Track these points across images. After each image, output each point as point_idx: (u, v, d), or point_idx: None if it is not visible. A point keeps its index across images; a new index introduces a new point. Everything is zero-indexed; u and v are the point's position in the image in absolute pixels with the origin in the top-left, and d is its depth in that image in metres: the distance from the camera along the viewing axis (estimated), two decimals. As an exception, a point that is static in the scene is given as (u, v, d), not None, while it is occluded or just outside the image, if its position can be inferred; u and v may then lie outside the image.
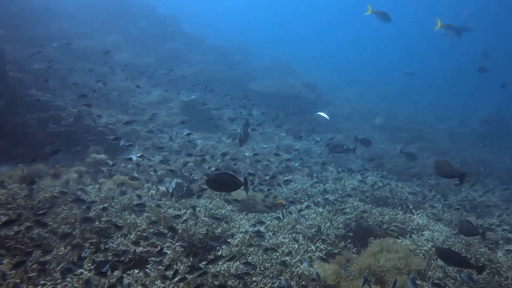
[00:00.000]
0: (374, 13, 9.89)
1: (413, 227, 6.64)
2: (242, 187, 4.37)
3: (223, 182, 4.36)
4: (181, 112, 13.85)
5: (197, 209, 6.23)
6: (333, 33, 60.85)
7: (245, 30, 42.61)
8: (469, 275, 4.91)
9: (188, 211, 5.98)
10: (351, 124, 17.38)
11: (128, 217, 5.50)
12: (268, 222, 6.30)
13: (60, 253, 4.43)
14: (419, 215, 7.16)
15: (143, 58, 17.51)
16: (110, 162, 8.44)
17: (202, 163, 9.50)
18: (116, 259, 4.50)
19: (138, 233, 5.21)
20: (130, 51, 17.48)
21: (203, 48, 21.98)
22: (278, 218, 6.45)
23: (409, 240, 6.12)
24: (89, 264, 4.30)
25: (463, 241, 5.86)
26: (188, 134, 11.46)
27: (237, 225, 5.97)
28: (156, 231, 5.01)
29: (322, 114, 7.84)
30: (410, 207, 7.75)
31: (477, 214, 8.42)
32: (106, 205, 5.72)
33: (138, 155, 9.69)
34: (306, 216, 6.50)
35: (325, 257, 5.43)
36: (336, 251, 5.85)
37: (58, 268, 4.12)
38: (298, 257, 5.17)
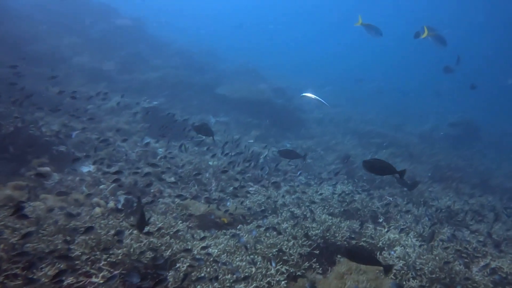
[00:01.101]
0: (363, 26, 9.29)
1: (384, 242, 6.14)
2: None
3: None
4: (142, 119, 13.07)
5: (146, 228, 5.55)
6: (305, 38, 60.83)
7: (217, 34, 41.95)
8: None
9: (134, 232, 5.31)
10: (322, 129, 16.97)
11: (59, 242, 4.76)
12: (224, 242, 5.68)
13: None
14: (390, 229, 6.69)
15: (104, 62, 16.63)
16: (56, 176, 7.63)
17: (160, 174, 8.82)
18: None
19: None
20: (90, 54, 16.56)
21: (169, 52, 21.19)
22: (235, 236, 5.85)
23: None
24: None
25: (437, 258, 5.39)
26: (147, 144, 10.73)
27: (189, 247, 5.32)
28: (92, 257, 4.32)
29: (308, 94, 7.18)
30: (381, 220, 7.25)
31: (451, 225, 8.02)
32: (34, 228, 4.96)
33: (90, 166, 8.92)
34: (268, 234, 5.92)
35: (286, 281, 4.85)
36: (299, 273, 5.28)
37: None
38: (255, 283, 4.56)
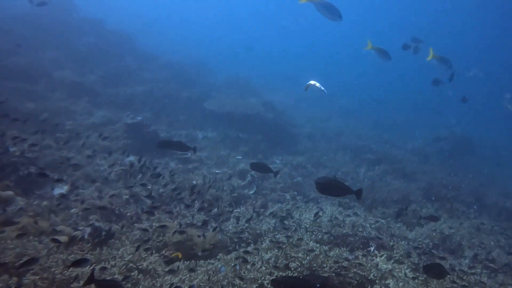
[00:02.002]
0: (373, 49, 8.94)
1: (376, 274, 5.59)
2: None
3: None
4: (124, 135, 12.51)
5: (111, 263, 4.98)
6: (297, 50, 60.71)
7: (208, 46, 41.68)
8: None
9: (98, 267, 4.73)
10: (314, 144, 16.47)
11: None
12: (199, 277, 5.12)
13: None
14: (383, 258, 6.15)
15: (87, 76, 16.10)
16: (20, 200, 7.03)
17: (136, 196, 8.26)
18: None
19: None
20: (73, 68, 16.02)
21: (158, 65, 20.71)
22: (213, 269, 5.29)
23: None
24: None
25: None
26: (130, 162, 10.17)
27: (158, 284, 4.75)
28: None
29: (313, 82, 6.53)
30: (372, 248, 6.70)
31: (447, 251, 7.50)
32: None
33: (63, 188, 8.34)
34: (248, 266, 5.36)
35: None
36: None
37: None
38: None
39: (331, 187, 4.74)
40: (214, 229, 7.38)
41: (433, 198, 10.67)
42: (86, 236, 5.86)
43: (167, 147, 7.65)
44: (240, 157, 13.78)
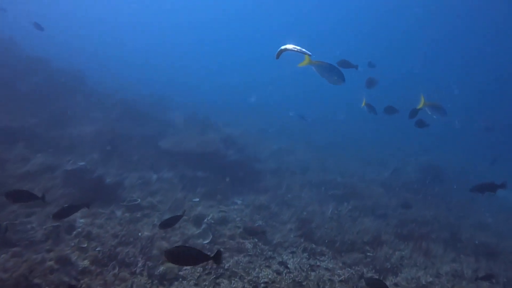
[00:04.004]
0: (426, 106, 8.56)
1: None
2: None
3: None
4: (64, 183, 11.13)
5: None
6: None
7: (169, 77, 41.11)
8: None
9: None
10: (279, 180, 15.43)
11: None
12: None
13: None
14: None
15: (27, 119, 14.67)
16: None
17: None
18: None
19: None
20: (10, 112, 14.56)
21: (110, 103, 19.43)
22: None
23: None
24: None
25: None
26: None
27: None
28: None
29: (288, 46, 5.30)
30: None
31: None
32: None
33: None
34: None
35: None
36: None
37: None
38: None
39: (182, 256, 4.28)
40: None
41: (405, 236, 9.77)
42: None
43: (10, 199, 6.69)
44: (197, 200, 12.60)
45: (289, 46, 5.18)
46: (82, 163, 11.96)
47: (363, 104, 9.54)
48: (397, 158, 20.94)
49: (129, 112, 18.73)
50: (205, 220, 10.57)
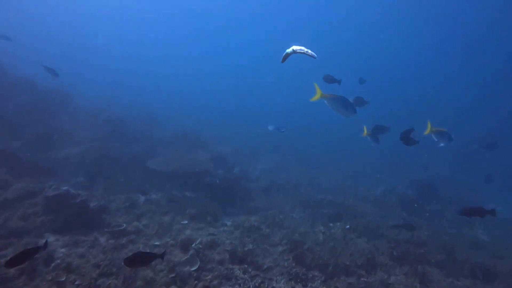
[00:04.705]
0: (433, 132, 8.51)
1: None
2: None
3: None
4: (44, 210, 10.67)
5: None
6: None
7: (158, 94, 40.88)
8: None
9: None
10: (270, 199, 15.04)
11: None
12: None
13: None
14: None
15: (10, 142, 14.26)
16: None
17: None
18: None
19: None
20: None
21: (97, 123, 19.05)
22: None
23: None
24: None
25: None
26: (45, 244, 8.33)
27: None
28: None
29: (296, 47, 4.89)
30: None
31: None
32: None
33: None
34: None
35: None
36: None
37: None
38: None
39: (138, 260, 5.55)
40: None
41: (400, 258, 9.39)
42: None
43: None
44: (186, 222, 12.16)
45: (296, 48, 4.90)
46: (65, 188, 11.50)
47: (364, 133, 9.32)
48: (391, 175, 20.64)
49: (117, 131, 18.37)
50: (193, 245, 10.14)
